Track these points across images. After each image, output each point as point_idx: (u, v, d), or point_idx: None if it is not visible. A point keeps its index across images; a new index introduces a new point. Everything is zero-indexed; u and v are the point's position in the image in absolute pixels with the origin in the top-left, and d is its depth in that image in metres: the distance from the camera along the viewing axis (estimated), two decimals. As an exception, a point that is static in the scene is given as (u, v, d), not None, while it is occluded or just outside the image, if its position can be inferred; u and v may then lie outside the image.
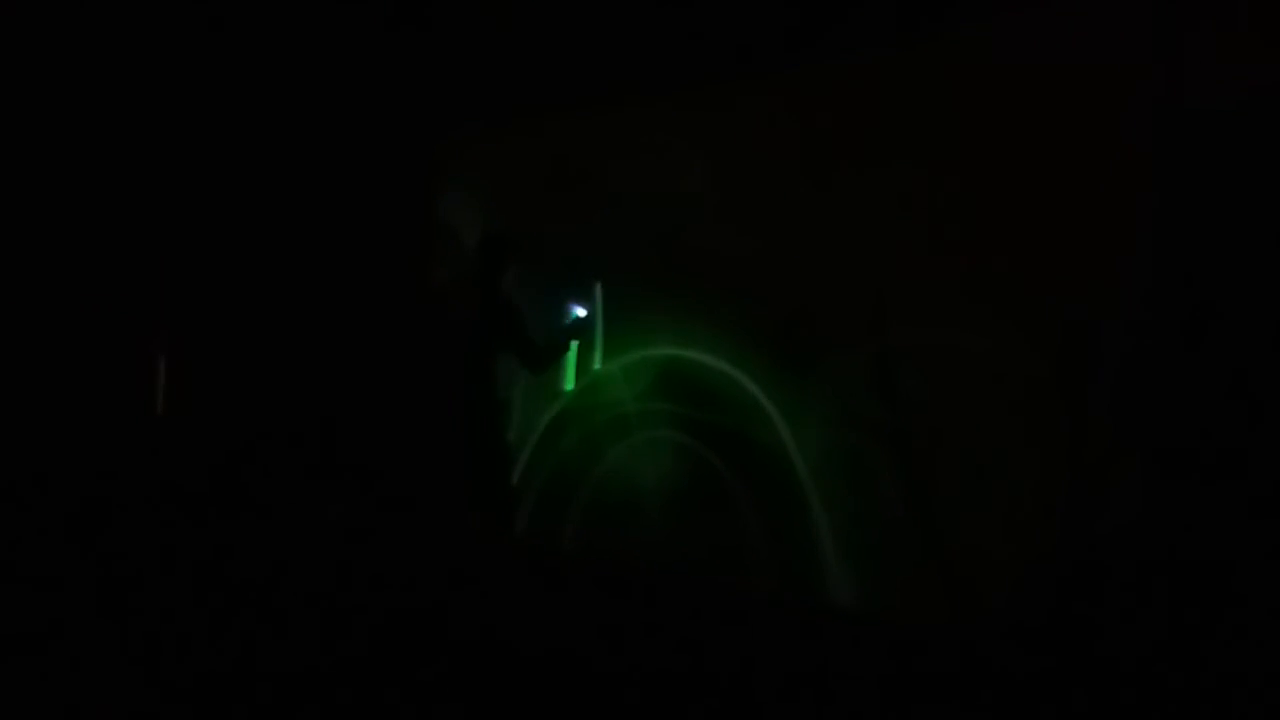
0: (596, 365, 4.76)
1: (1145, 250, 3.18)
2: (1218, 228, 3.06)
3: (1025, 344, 3.43)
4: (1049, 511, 3.37)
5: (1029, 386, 3.43)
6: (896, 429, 3.77)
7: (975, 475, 3.56)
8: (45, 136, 5.67)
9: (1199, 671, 2.97)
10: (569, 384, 4.54)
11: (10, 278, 5.68)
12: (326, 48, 5.64)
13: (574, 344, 4.50)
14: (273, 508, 5.66)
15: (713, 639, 3.80)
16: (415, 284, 5.62)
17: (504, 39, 5.05)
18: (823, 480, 4.01)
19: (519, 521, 4.24)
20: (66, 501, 5.47)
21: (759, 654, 3.64)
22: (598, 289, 4.58)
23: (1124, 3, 3.24)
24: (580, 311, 4.46)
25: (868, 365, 3.86)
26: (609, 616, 3.95)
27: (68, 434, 5.82)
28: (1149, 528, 3.16)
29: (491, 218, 4.84)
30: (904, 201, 3.72)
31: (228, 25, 5.66)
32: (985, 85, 3.53)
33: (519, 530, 4.20)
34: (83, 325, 6.00)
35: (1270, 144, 2.96)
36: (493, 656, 3.57)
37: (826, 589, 3.98)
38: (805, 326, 3.94)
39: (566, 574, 4.08)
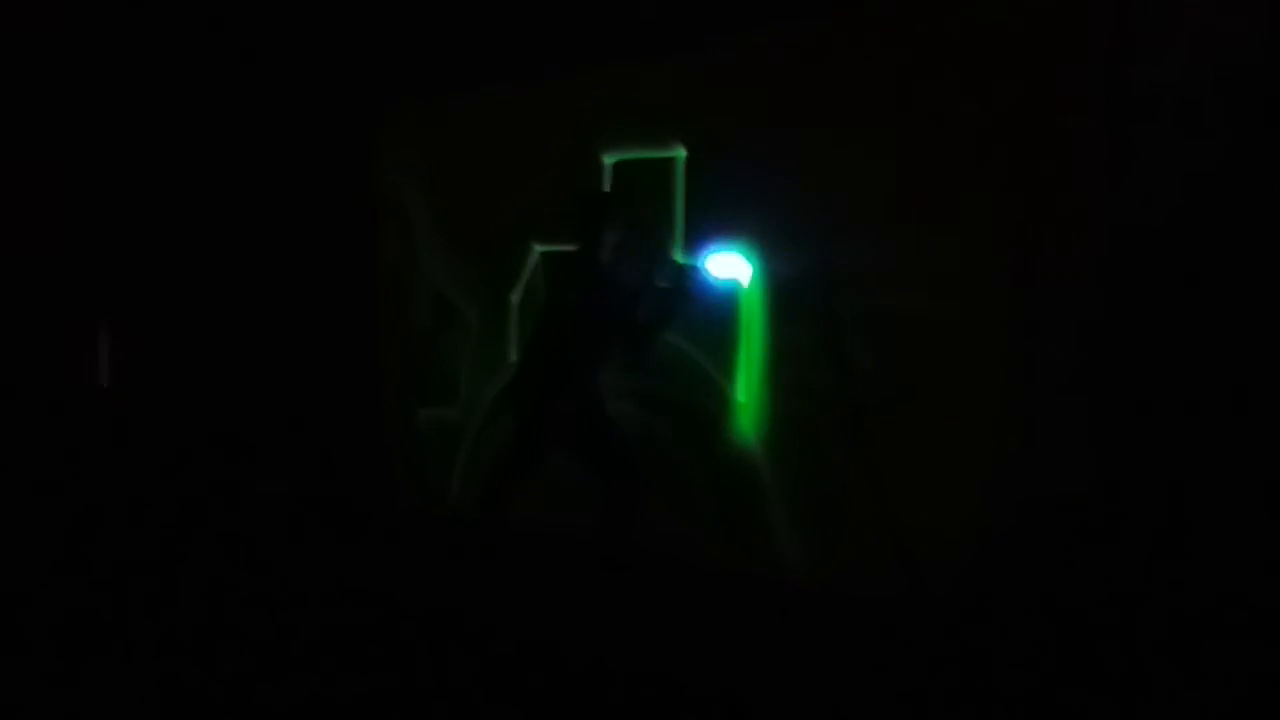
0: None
1: (1095, 220, 3.13)
2: (1165, 197, 3.03)
3: (977, 313, 3.38)
4: (998, 479, 3.32)
5: (981, 355, 3.37)
6: (849, 397, 3.71)
7: (926, 444, 3.51)
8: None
9: (1145, 636, 2.95)
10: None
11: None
12: (271, 20, 5.50)
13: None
14: (226, 483, 5.58)
15: (662, 608, 3.76)
16: (364, 259, 5.51)
17: (447, 9, 4.93)
18: (774, 449, 3.95)
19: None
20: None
21: (710, 622, 3.61)
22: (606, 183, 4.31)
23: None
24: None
25: (819, 334, 3.79)
26: (559, 589, 3.91)
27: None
28: (1096, 496, 3.13)
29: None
30: (855, 169, 3.65)
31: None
32: (933, 49, 3.47)
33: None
34: (21, 306, 5.88)
35: (1218, 115, 2.94)
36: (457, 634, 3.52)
37: (777, 557, 3.92)
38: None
39: (513, 548, 3.99)
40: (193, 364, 5.94)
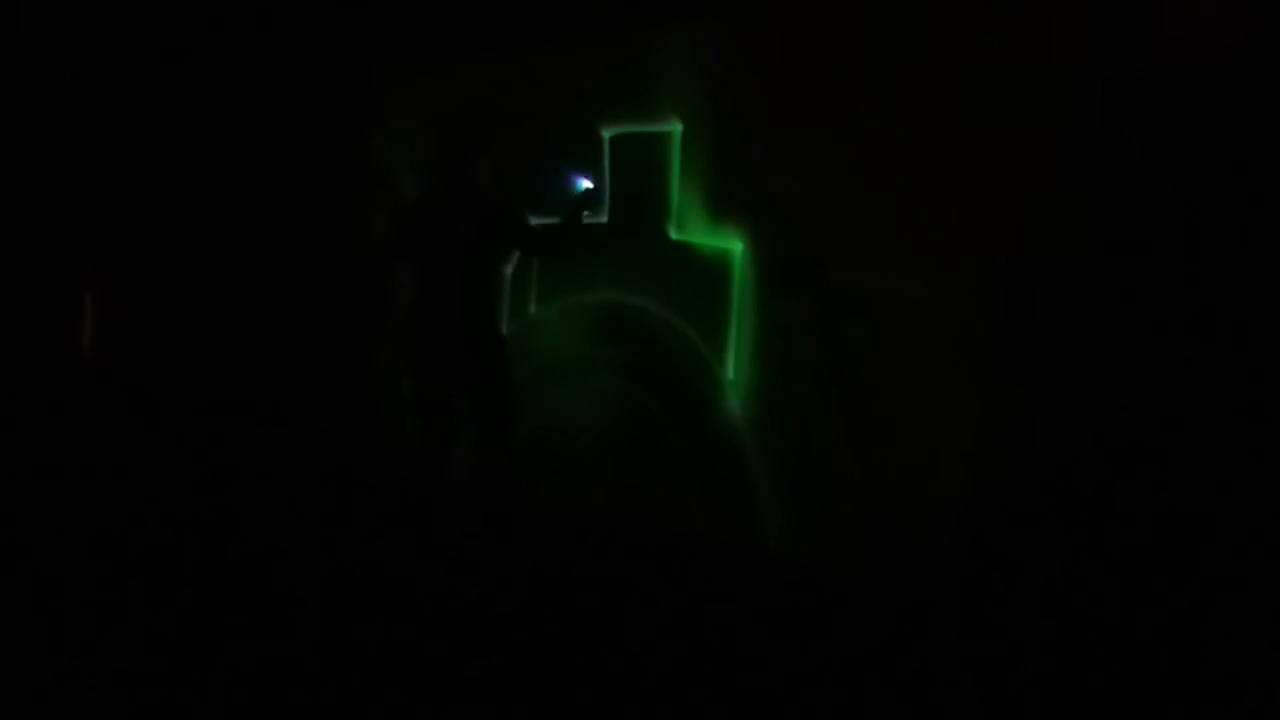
0: (531, 309, 4.65)
1: (1078, 197, 3.14)
2: (1147, 177, 3.04)
3: (960, 286, 3.38)
4: (983, 453, 3.33)
5: (963, 328, 3.38)
6: (837, 372, 3.71)
7: (912, 417, 3.51)
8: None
9: (1126, 610, 2.97)
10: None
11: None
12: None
13: (584, 217, 4.11)
14: (208, 452, 5.54)
15: (648, 580, 3.76)
16: (354, 220, 5.46)
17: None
18: (763, 426, 3.95)
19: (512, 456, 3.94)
20: None
21: (695, 595, 3.61)
22: (605, 158, 4.36)
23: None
24: (586, 183, 4.13)
25: (807, 307, 3.80)
26: (546, 559, 3.90)
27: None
28: (1080, 469, 3.14)
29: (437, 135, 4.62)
30: (842, 143, 3.66)
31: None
32: (924, 28, 3.47)
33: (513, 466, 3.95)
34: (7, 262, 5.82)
35: (1195, 100, 2.96)
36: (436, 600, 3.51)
37: (762, 531, 3.93)
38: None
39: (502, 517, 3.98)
40: (178, 333, 5.90)
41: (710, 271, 4.06)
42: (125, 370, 5.88)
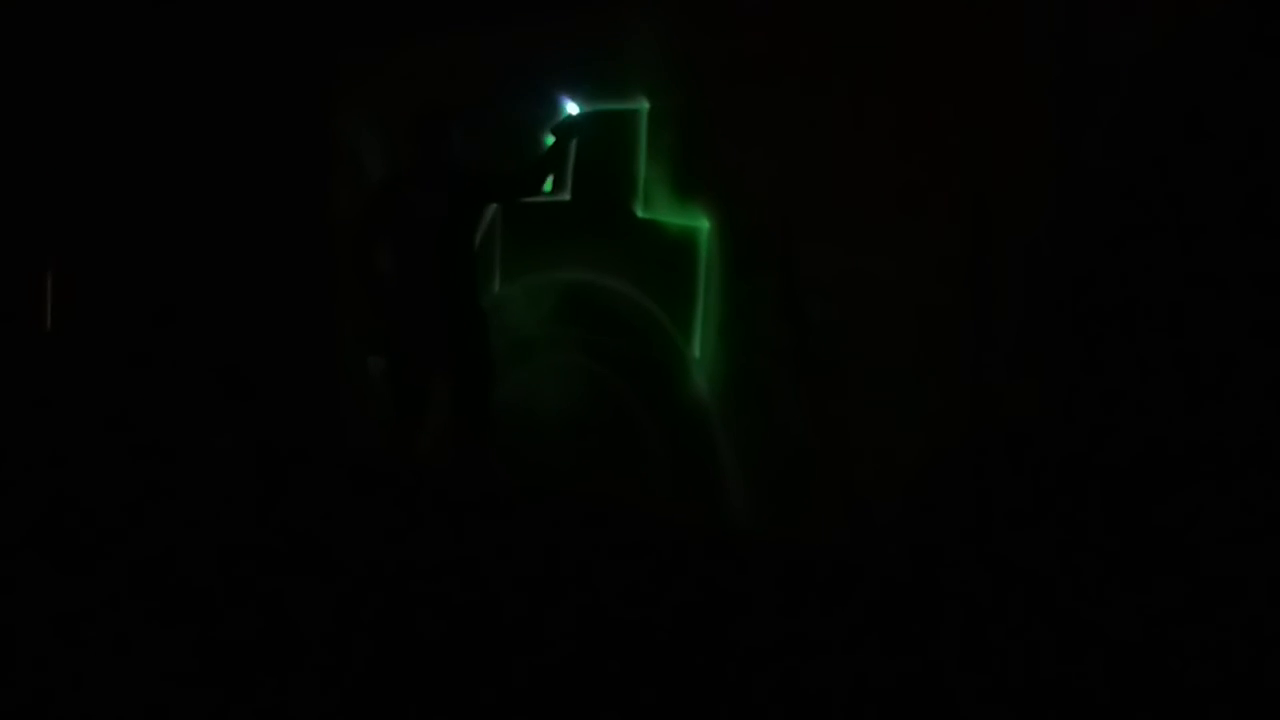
0: (495, 287, 4.64)
1: (1047, 176, 3.16)
2: (1118, 157, 3.06)
3: (930, 268, 3.39)
4: (950, 429, 3.36)
5: (930, 306, 3.40)
6: (803, 351, 3.73)
7: (878, 395, 3.54)
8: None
9: (1095, 585, 3.01)
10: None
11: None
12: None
13: (571, 145, 4.12)
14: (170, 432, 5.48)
15: (614, 563, 3.76)
16: (319, 205, 5.41)
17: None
18: (726, 402, 3.97)
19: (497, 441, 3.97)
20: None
21: (660, 576, 3.62)
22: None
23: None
24: (573, 108, 4.09)
25: (775, 288, 3.81)
26: (509, 541, 3.89)
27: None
28: (1047, 444, 3.18)
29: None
30: (810, 122, 3.65)
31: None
32: (890, 9, 3.48)
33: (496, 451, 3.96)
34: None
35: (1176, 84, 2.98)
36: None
37: (729, 510, 3.95)
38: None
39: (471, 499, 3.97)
40: (141, 312, 5.83)
41: (677, 250, 4.07)
42: (87, 349, 5.80)
